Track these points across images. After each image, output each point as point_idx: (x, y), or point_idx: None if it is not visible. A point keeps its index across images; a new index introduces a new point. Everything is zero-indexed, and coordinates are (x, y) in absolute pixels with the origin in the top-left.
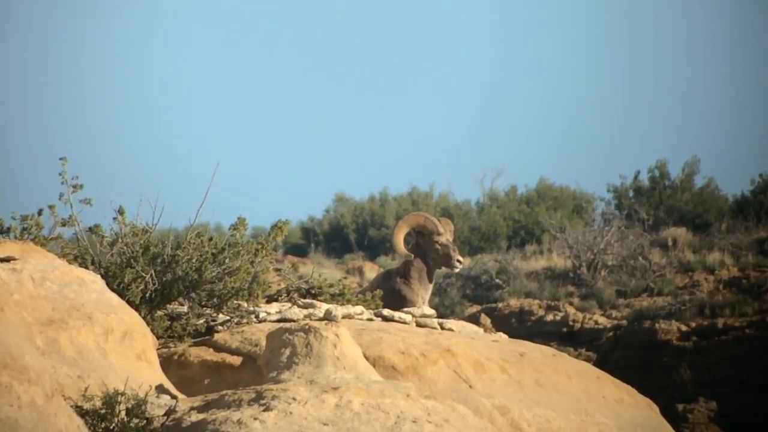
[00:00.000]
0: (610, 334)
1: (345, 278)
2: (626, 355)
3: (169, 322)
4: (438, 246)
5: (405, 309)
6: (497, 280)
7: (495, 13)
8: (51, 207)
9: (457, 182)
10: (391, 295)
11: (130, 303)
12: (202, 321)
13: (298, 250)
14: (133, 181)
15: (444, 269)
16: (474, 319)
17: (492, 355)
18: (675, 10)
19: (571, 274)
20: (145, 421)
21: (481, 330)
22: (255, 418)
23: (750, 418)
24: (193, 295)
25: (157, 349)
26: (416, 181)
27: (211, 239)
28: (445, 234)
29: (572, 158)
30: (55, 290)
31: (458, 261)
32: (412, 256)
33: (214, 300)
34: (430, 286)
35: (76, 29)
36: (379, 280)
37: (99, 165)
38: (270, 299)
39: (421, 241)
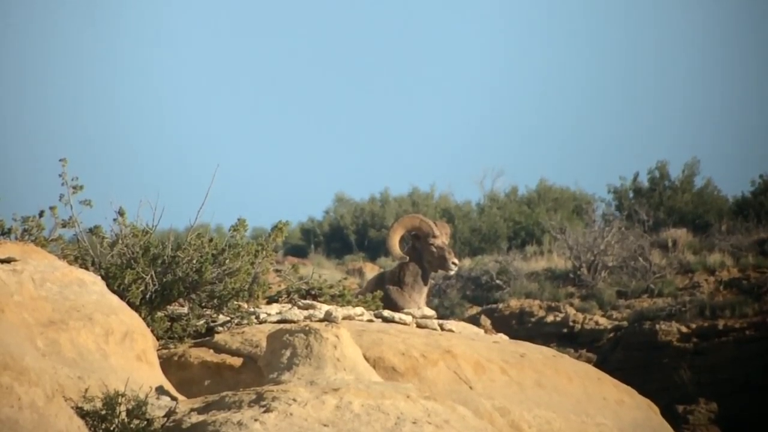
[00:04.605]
0: (611, 335)
1: (345, 279)
2: (627, 356)
3: (169, 323)
4: (433, 248)
5: (405, 310)
6: (497, 281)
7: (495, 13)
8: (51, 208)
9: (458, 183)
10: (383, 300)
11: (130, 304)
12: (202, 322)
13: (298, 251)
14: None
15: (440, 271)
16: (474, 320)
17: (492, 356)
18: (675, 11)
19: (572, 275)
20: (145, 422)
21: (482, 331)
22: (255, 420)
23: (750, 419)
24: (193, 296)
25: (158, 350)
26: (417, 182)
27: (211, 240)
28: (441, 236)
29: (572, 159)
30: (56, 291)
31: (453, 263)
32: (407, 258)
33: (215, 301)
34: (426, 289)
35: (77, 29)
36: (373, 283)
37: (99, 166)
38: (270, 300)
39: (417, 243)
